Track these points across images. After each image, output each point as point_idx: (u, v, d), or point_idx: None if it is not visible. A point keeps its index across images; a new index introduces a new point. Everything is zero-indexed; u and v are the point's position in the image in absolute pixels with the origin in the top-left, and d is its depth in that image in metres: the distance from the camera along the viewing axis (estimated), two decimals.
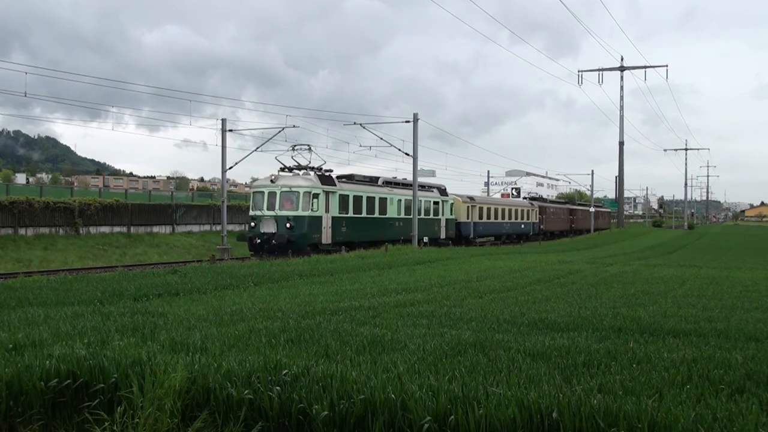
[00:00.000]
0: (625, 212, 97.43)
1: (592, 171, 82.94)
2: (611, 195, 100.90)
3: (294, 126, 39.89)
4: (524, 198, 67.08)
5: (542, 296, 13.54)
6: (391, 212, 37.28)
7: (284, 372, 5.42)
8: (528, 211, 59.19)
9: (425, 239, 39.98)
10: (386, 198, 36.81)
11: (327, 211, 31.40)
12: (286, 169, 32.31)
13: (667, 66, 73.98)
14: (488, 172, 77.98)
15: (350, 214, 33.33)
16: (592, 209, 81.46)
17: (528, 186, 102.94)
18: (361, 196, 34.55)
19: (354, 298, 12.94)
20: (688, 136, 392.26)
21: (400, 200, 38.36)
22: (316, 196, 30.60)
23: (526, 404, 4.61)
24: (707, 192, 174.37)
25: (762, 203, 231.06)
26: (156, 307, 11.15)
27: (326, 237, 31.23)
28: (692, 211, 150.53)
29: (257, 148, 38.36)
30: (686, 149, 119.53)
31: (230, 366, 5.63)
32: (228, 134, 38.24)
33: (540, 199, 67.79)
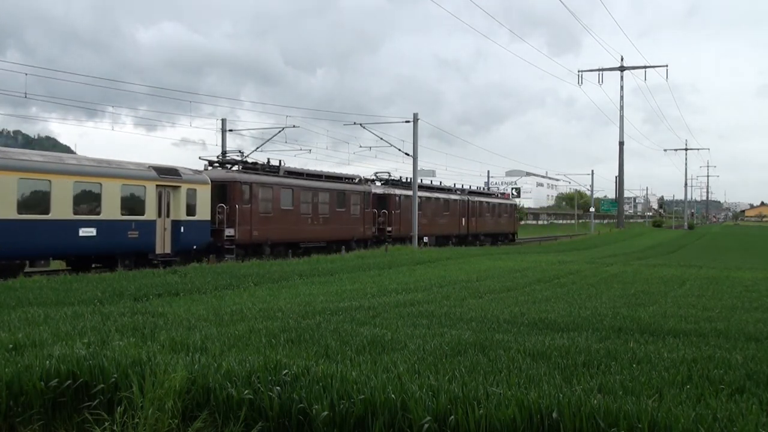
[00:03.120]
0: (625, 212, 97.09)
1: (592, 171, 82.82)
2: (611, 195, 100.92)
3: (294, 126, 39.42)
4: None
5: (542, 296, 13.54)
6: None
7: (284, 372, 5.42)
8: (191, 193, 24.13)
9: None
10: None
11: None
12: None
13: (667, 66, 73.56)
14: (488, 172, 77.91)
15: None
16: (426, 194, 39.07)
17: (528, 186, 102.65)
18: None
19: (354, 298, 12.94)
20: (689, 136, 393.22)
21: None
22: None
23: (526, 404, 4.61)
24: (707, 192, 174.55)
25: (762, 203, 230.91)
26: (156, 307, 11.15)
27: None
28: (692, 211, 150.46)
29: (257, 148, 38.24)
30: (686, 149, 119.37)
31: (230, 366, 5.64)
32: (227, 134, 38.26)
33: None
